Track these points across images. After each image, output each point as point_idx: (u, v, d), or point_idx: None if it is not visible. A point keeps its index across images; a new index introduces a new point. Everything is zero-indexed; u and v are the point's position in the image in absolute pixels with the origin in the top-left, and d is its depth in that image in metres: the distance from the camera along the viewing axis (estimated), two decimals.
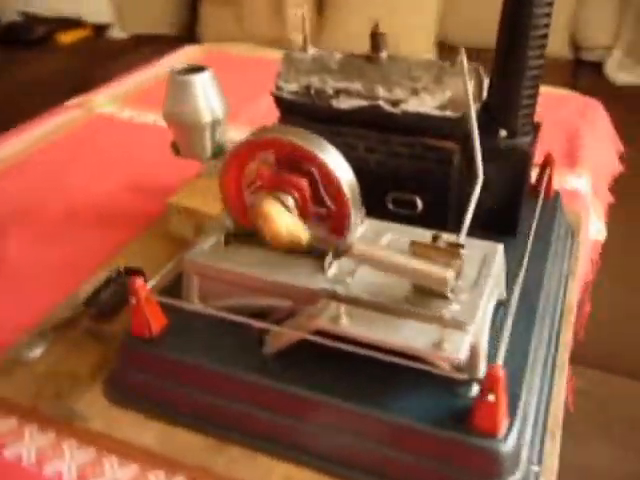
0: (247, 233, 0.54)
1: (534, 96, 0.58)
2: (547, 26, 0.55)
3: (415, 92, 0.59)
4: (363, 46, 0.63)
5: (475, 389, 0.46)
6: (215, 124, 0.69)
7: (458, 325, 0.43)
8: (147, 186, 0.84)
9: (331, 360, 0.48)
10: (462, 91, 0.57)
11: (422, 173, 0.60)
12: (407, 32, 2.00)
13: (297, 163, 0.51)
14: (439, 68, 0.59)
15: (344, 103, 0.61)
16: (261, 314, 0.51)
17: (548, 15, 0.55)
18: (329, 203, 0.51)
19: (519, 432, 0.44)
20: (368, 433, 0.46)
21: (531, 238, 0.59)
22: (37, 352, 0.57)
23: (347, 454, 0.47)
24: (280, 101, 0.64)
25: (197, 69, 0.70)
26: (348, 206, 0.50)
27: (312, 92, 0.62)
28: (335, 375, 0.48)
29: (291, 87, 0.63)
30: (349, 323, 0.45)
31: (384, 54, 0.61)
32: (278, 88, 0.64)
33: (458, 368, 0.45)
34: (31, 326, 0.61)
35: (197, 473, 0.48)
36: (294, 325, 0.48)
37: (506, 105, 0.59)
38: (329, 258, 0.50)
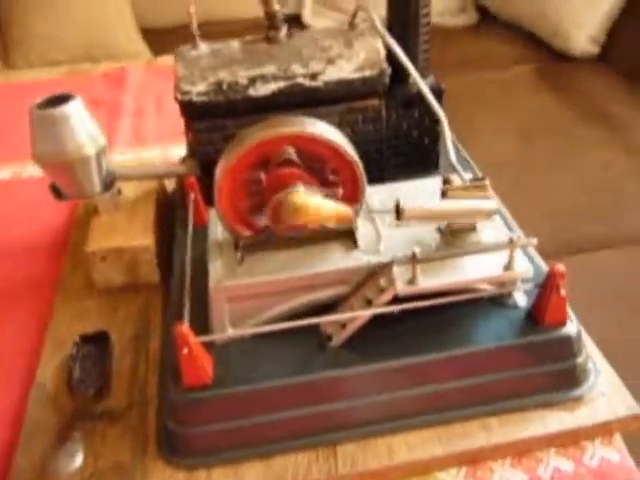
0: (259, 240, 0.51)
1: (428, 40, 0.64)
2: None
3: (331, 61, 0.60)
4: None
5: (520, 299, 0.52)
6: (100, 154, 0.63)
7: (524, 244, 0.48)
8: (23, 247, 0.72)
9: (387, 328, 0.50)
10: (373, 50, 0.61)
11: (355, 136, 0.62)
12: None
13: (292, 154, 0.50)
14: (344, 34, 0.62)
15: (262, 89, 0.60)
16: (298, 314, 0.51)
17: None
18: (332, 177, 0.51)
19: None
20: (461, 372, 0.50)
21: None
22: (78, 461, 0.48)
23: (444, 400, 0.50)
24: (189, 106, 0.61)
25: (60, 99, 0.62)
26: (358, 168, 0.51)
27: (224, 87, 0.60)
28: (402, 338, 0.50)
29: (199, 88, 0.60)
30: (424, 280, 0.47)
31: (283, 32, 0.61)
32: (184, 93, 0.60)
33: (501, 284, 0.51)
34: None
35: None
36: (361, 305, 0.49)
37: (408, 52, 0.63)
38: (363, 229, 0.51)
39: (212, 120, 0.61)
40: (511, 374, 0.50)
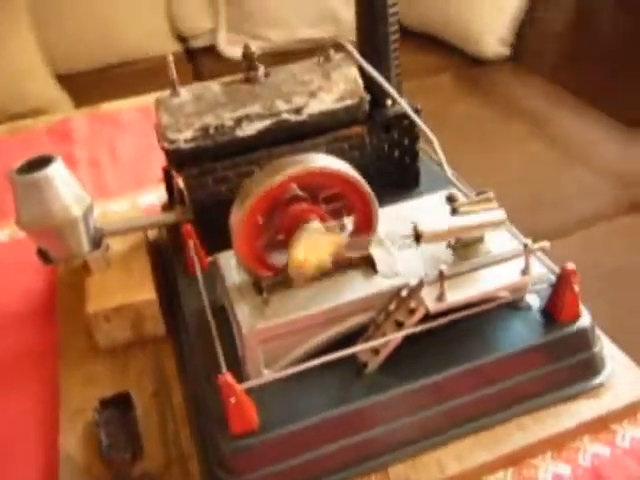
0: (280, 279, 0.52)
1: (399, 65, 0.66)
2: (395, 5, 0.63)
3: (313, 94, 0.62)
4: None
5: (534, 300, 0.55)
6: (87, 213, 0.62)
7: (539, 249, 0.50)
8: (9, 317, 0.69)
9: (411, 346, 0.51)
10: (351, 79, 0.63)
11: None
12: None
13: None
14: (320, 66, 0.63)
15: (249, 129, 0.61)
16: (329, 345, 0.51)
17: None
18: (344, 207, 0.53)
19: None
20: (491, 379, 0.52)
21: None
22: None
23: (480, 407, 0.52)
24: (177, 153, 0.60)
25: (39, 161, 0.61)
26: (372, 201, 0.52)
27: (211, 131, 0.60)
28: (429, 354, 0.52)
29: (186, 135, 0.60)
30: (451, 295, 0.49)
31: (261, 71, 0.62)
32: (171, 141, 0.60)
33: (517, 289, 0.53)
34: None
35: None
36: (392, 329, 0.50)
37: (383, 77, 0.65)
38: (377, 254, 0.52)
39: (202, 165, 0.61)
40: (537, 373, 0.52)
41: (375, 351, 0.50)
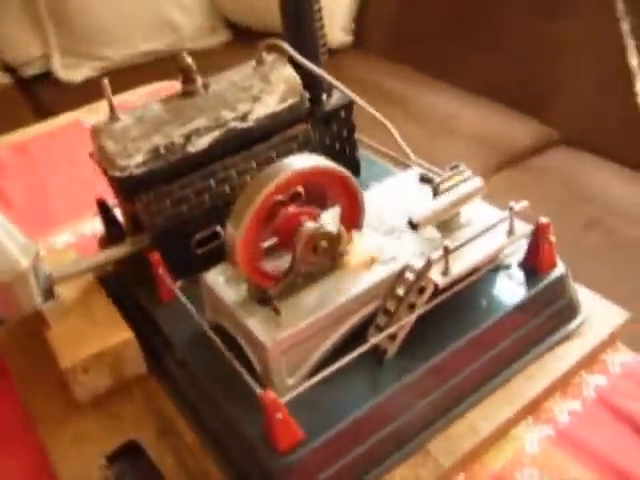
0: (285, 286, 0.51)
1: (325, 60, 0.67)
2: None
3: (256, 99, 0.61)
4: None
5: (508, 258, 0.58)
6: (35, 262, 0.57)
7: (521, 208, 0.53)
8: None
9: (417, 325, 0.53)
10: (290, 79, 0.63)
11: None
12: None
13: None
14: (257, 70, 0.62)
15: (199, 143, 0.59)
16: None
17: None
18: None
19: None
20: (497, 339, 0.55)
21: None
22: None
23: (488, 368, 0.55)
24: (130, 180, 0.57)
25: None
26: (359, 195, 0.53)
27: (162, 151, 0.58)
28: (436, 331, 0.53)
29: (137, 160, 0.57)
30: (455, 268, 0.51)
31: (199, 83, 0.60)
32: (122, 169, 0.56)
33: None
34: None
35: None
36: (405, 311, 0.51)
37: (311, 74, 0.66)
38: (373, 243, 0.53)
39: (157, 188, 0.58)
40: (532, 324, 0.56)
41: (392, 337, 0.51)
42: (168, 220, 0.59)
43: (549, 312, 0.57)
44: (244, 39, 2.14)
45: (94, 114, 1.09)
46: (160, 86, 1.18)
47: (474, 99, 1.62)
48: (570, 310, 0.58)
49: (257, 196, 0.48)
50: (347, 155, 0.70)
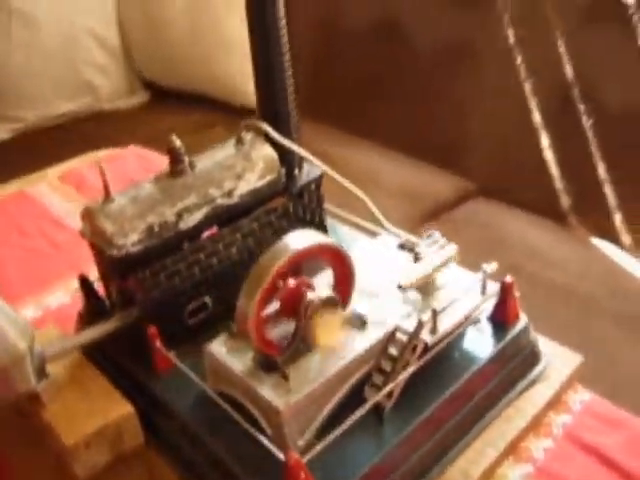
0: (291, 352, 0.55)
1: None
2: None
3: (239, 177, 0.65)
4: None
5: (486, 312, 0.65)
6: (30, 344, 0.59)
7: (492, 270, 0.60)
8: None
9: (409, 380, 0.58)
10: (268, 156, 0.68)
11: (276, 234, 0.68)
12: None
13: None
14: (238, 150, 0.67)
15: (190, 220, 0.63)
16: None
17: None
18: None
19: None
20: (473, 391, 0.61)
21: None
22: None
23: (476, 414, 0.60)
24: (127, 258, 0.59)
25: None
26: (351, 264, 0.58)
27: (156, 229, 0.60)
28: (419, 385, 0.59)
29: (133, 238, 0.59)
30: (441, 326, 0.57)
31: (186, 163, 0.64)
32: (120, 247, 0.59)
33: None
34: None
35: None
36: (400, 370, 0.56)
37: (284, 150, 0.71)
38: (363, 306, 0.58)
39: (153, 264, 0.61)
40: (505, 371, 0.63)
41: (389, 394, 0.56)
42: (161, 293, 0.62)
43: (518, 359, 0.64)
44: (162, 99, 2.17)
45: (38, 185, 1.09)
46: (104, 154, 1.20)
47: (394, 154, 1.72)
48: (533, 357, 0.65)
49: (266, 276, 0.52)
50: (316, 223, 0.75)
